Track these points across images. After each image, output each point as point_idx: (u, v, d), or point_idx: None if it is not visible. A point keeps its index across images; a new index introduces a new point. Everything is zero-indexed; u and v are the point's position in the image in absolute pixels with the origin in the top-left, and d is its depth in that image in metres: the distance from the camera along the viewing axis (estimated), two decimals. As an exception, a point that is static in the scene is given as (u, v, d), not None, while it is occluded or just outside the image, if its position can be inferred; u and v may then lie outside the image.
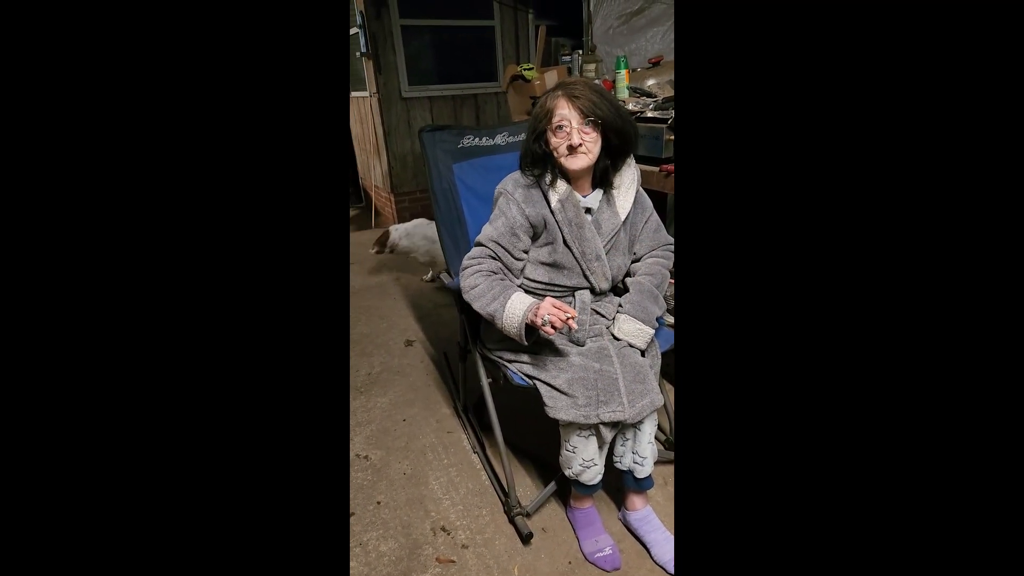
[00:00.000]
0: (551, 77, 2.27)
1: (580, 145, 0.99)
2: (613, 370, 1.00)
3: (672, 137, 1.37)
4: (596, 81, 1.95)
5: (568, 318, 0.93)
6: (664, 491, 1.25)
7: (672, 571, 1.04)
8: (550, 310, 0.94)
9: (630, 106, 1.55)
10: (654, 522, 1.11)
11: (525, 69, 2.31)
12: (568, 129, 0.99)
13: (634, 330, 1.08)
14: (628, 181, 1.10)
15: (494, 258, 1.06)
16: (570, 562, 1.09)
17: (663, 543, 1.07)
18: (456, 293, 1.24)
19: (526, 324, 0.97)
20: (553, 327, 0.92)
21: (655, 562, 1.07)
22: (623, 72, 1.75)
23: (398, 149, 3.46)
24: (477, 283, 1.04)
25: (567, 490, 1.17)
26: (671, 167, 1.33)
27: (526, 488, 1.29)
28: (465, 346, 1.35)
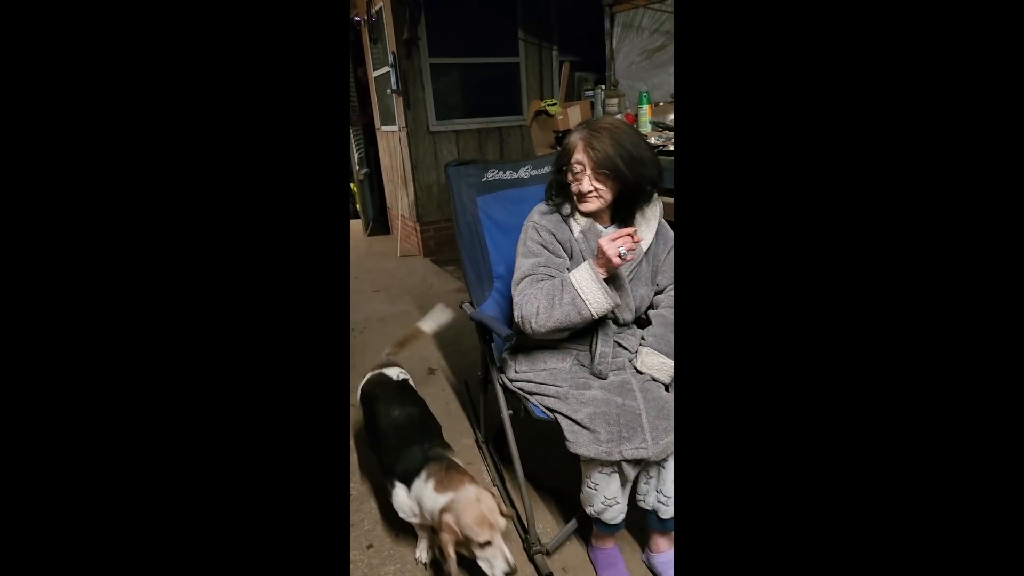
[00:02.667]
0: (574, 112, 2.32)
1: (590, 192, 1.02)
2: (636, 405, 0.98)
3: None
4: (619, 116, 1.98)
5: (628, 235, 0.92)
6: (690, 532, 1.20)
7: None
8: (612, 246, 0.91)
9: (652, 140, 1.57)
10: (680, 566, 1.07)
11: (549, 104, 2.37)
12: (580, 176, 1.02)
13: (657, 364, 1.07)
14: (651, 214, 1.11)
15: (541, 279, 1.05)
16: (591, 605, 1.05)
17: (689, 589, 1.03)
18: (478, 324, 1.25)
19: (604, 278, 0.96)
20: (622, 255, 0.92)
21: (681, 609, 1.02)
22: (645, 107, 1.78)
23: (424, 180, 3.56)
24: (535, 304, 1.00)
25: (589, 528, 1.14)
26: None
27: (546, 524, 1.26)
28: (486, 376, 1.35)
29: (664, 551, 1.08)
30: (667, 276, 1.14)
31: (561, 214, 1.10)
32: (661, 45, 2.43)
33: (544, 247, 1.07)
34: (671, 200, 1.43)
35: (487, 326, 1.19)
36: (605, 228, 1.10)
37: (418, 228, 3.67)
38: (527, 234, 1.10)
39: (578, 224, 1.09)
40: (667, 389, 1.07)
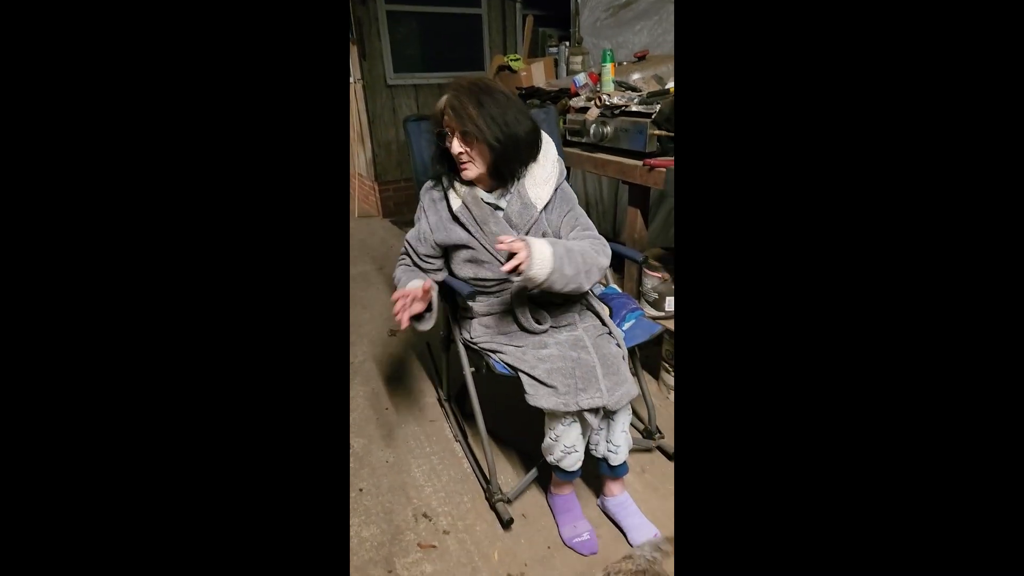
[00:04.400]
0: (538, 68, 2.27)
1: (461, 154, 1.03)
2: (590, 358, 1.02)
3: (656, 132, 1.39)
4: (583, 74, 1.95)
5: (408, 303, 1.00)
6: (642, 478, 1.29)
7: (647, 554, 1.07)
8: (395, 307, 1.00)
9: (615, 99, 1.56)
10: (631, 508, 1.14)
11: (512, 59, 2.31)
12: (451, 139, 1.04)
13: (544, 253, 0.95)
14: (544, 175, 1.11)
15: (408, 255, 1.18)
16: (549, 547, 1.12)
17: (639, 528, 1.11)
18: (440, 283, 1.25)
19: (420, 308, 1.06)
20: (412, 315, 1.02)
21: (631, 546, 1.10)
22: (609, 65, 1.75)
23: (383, 137, 3.43)
24: (398, 276, 1.17)
25: (547, 477, 1.20)
26: (654, 161, 1.35)
27: (507, 475, 1.31)
28: (448, 336, 1.36)
29: (616, 495, 1.16)
30: (569, 229, 1.13)
31: (442, 185, 1.12)
32: (627, 2, 2.38)
33: (420, 234, 1.15)
34: (634, 163, 1.45)
35: (448, 286, 1.19)
36: (487, 193, 1.11)
37: (376, 188, 3.56)
38: (418, 208, 1.19)
39: (458, 196, 1.10)
40: (618, 346, 1.11)
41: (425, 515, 1.20)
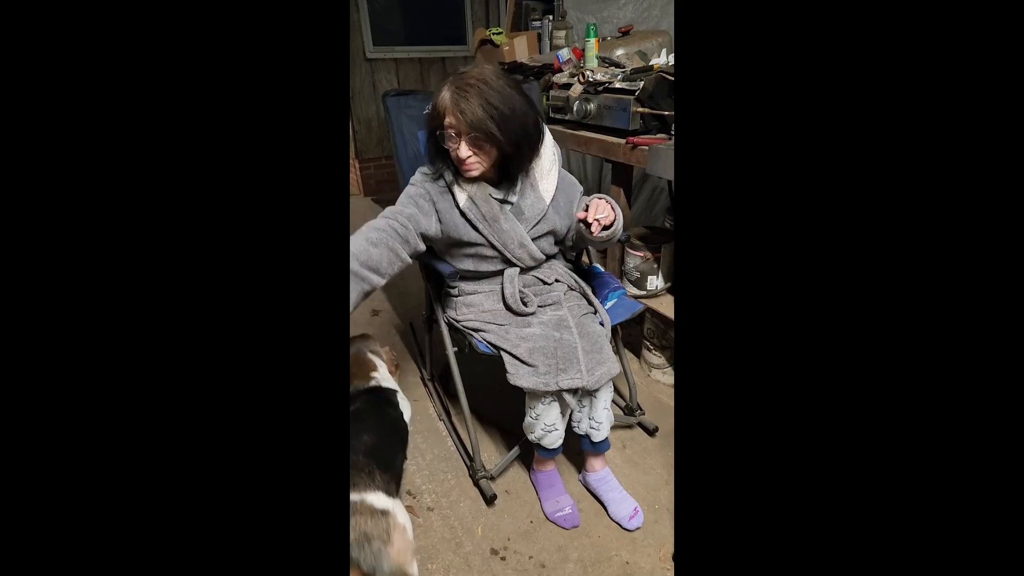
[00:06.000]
0: (520, 43, 2.23)
1: (469, 157, 0.97)
2: (572, 339, 1.03)
3: (639, 109, 1.38)
4: (566, 50, 1.92)
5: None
6: (623, 454, 1.31)
7: (627, 527, 1.10)
8: None
9: (598, 76, 1.54)
10: (611, 482, 1.17)
11: (494, 33, 2.26)
12: (456, 141, 0.97)
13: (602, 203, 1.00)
14: (549, 162, 1.09)
15: (388, 224, 1.02)
16: (531, 521, 1.14)
17: (619, 502, 1.14)
18: (423, 263, 1.24)
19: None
20: None
21: (611, 519, 1.13)
22: (592, 40, 1.72)
23: (362, 113, 3.34)
24: (359, 242, 0.98)
25: (530, 454, 1.21)
26: (637, 139, 1.34)
27: (490, 453, 1.33)
28: (431, 316, 1.35)
29: (598, 470, 1.18)
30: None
31: (445, 181, 1.05)
32: (611, -25, 2.33)
33: (417, 201, 1.04)
34: (617, 141, 1.43)
35: (431, 266, 1.18)
36: (495, 189, 1.06)
37: (357, 165, 3.48)
38: (408, 193, 1.07)
39: (463, 191, 1.04)
40: (601, 324, 1.12)
41: (409, 492, 1.21)
